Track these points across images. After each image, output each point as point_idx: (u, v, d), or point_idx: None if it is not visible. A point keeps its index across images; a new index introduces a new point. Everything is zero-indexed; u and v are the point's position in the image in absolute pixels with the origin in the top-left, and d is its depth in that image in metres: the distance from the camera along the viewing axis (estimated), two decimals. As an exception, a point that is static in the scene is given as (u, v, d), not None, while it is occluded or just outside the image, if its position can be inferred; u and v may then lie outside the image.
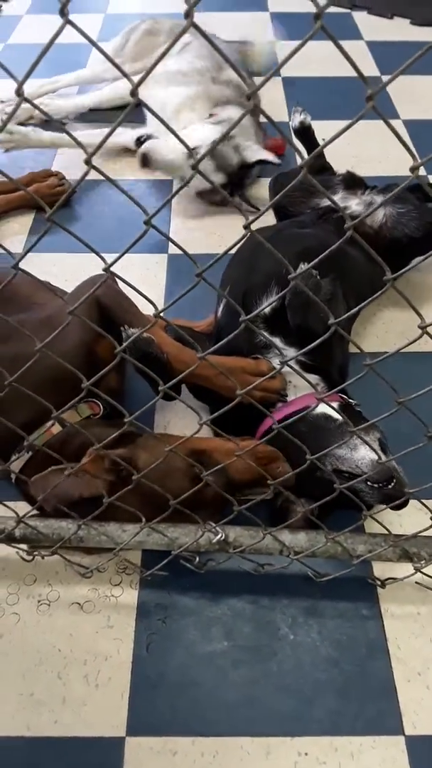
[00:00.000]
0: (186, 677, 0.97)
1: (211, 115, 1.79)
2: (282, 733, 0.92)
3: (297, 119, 1.76)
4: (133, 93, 0.45)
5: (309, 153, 1.80)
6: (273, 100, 2.18)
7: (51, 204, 1.72)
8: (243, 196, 1.79)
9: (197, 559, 1.03)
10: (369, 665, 0.98)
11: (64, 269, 1.58)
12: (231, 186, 1.75)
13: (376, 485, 0.94)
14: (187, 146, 0.48)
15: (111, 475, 0.95)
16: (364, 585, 1.07)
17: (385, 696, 0.95)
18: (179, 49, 2.02)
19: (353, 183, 1.53)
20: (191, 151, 0.49)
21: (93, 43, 0.43)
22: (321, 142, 1.77)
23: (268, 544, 0.97)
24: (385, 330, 1.48)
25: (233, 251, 1.35)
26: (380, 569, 1.08)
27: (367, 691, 0.96)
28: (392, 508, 0.96)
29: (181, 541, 0.97)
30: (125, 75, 0.46)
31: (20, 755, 0.90)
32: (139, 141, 1.73)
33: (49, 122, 2.05)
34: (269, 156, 1.69)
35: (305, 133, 1.76)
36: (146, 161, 1.67)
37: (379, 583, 1.05)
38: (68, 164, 1.91)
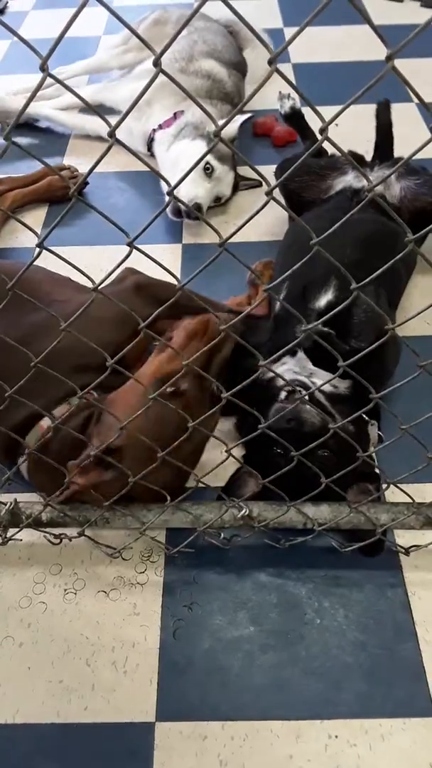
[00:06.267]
0: (214, 662, 0.97)
1: (175, 115, 1.74)
2: (312, 716, 0.92)
3: (287, 105, 1.76)
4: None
5: (302, 137, 1.80)
6: (282, 85, 2.17)
7: (64, 196, 1.72)
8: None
9: (222, 535, 1.03)
10: (397, 648, 0.97)
11: (78, 263, 1.58)
12: None
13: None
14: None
15: (104, 472, 0.94)
16: (388, 554, 1.06)
17: (414, 678, 0.94)
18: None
19: (358, 161, 1.51)
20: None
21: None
22: (312, 127, 1.77)
23: (292, 517, 0.98)
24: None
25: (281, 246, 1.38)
26: (403, 538, 1.08)
27: (395, 674, 0.95)
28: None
29: (206, 517, 0.97)
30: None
31: (51, 742, 0.90)
32: None
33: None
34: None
35: (296, 118, 1.77)
36: None
37: (403, 550, 1.05)
38: (80, 160, 1.92)
